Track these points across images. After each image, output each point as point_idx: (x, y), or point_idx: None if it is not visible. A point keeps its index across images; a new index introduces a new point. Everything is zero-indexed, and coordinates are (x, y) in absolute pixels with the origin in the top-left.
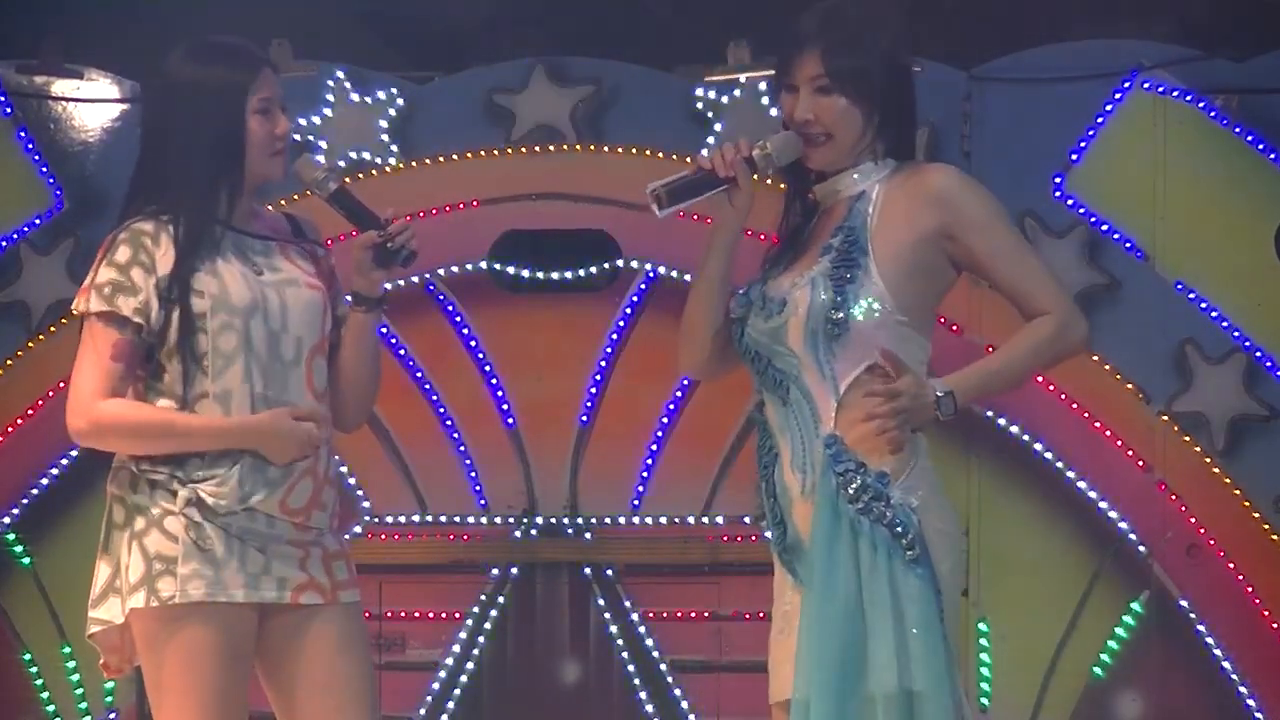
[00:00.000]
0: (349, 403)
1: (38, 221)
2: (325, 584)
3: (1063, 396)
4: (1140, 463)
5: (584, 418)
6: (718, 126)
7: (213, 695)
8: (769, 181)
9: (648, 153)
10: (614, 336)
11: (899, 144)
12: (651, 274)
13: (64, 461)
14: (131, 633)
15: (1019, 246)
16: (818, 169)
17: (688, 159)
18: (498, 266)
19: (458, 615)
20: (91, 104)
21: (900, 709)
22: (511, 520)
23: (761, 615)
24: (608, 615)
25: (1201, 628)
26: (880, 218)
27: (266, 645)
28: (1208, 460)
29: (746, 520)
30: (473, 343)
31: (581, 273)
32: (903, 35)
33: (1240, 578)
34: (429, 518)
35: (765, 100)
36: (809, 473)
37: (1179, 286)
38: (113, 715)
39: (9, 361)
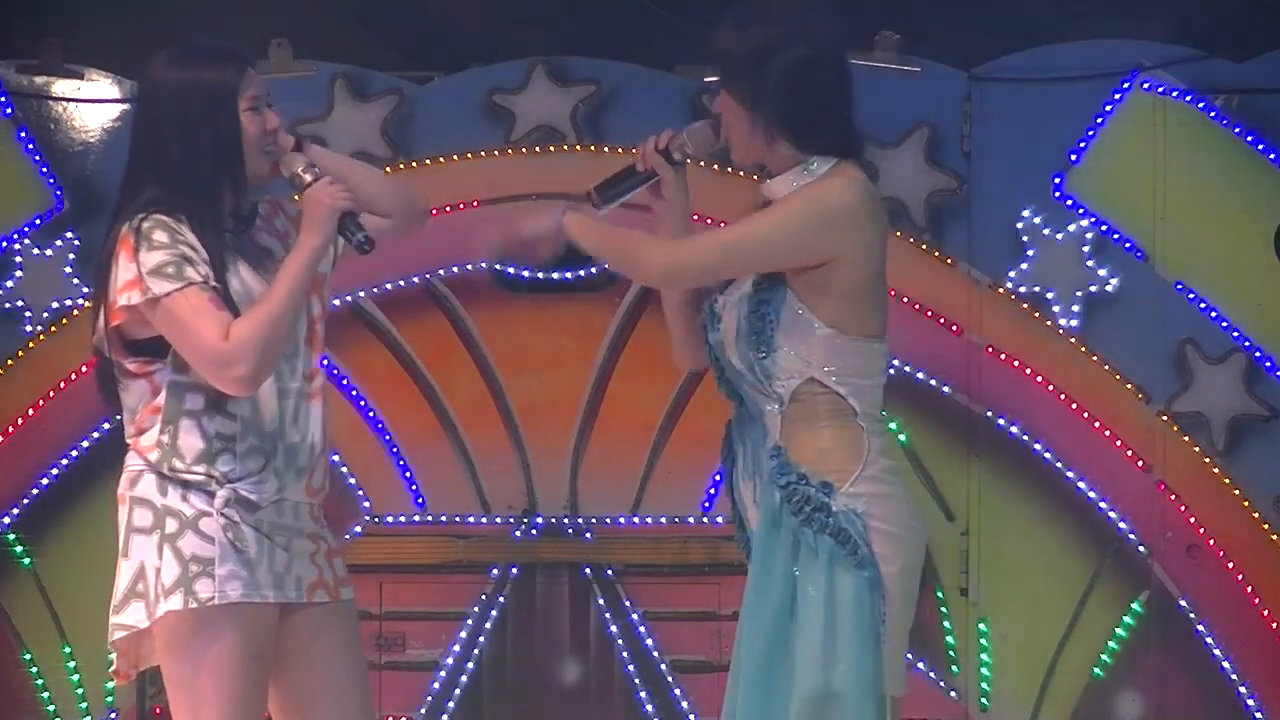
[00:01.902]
0: (396, 209)
1: (38, 221)
2: (330, 581)
3: (1062, 396)
4: (1140, 463)
5: (584, 418)
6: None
7: (242, 697)
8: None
9: None
10: (614, 336)
11: (822, 142)
12: None
13: (64, 461)
14: (148, 637)
15: (746, 224)
16: (736, 161)
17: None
18: (498, 266)
19: (458, 615)
20: (91, 104)
21: (818, 711)
22: (511, 520)
23: None
24: (608, 615)
25: (1201, 628)
26: None
27: (281, 644)
28: (1208, 460)
29: None
30: (473, 343)
31: (581, 273)
32: (796, 31)
33: (1240, 578)
34: (429, 518)
35: None
36: (758, 481)
37: (1179, 286)
38: (113, 715)
39: (9, 361)
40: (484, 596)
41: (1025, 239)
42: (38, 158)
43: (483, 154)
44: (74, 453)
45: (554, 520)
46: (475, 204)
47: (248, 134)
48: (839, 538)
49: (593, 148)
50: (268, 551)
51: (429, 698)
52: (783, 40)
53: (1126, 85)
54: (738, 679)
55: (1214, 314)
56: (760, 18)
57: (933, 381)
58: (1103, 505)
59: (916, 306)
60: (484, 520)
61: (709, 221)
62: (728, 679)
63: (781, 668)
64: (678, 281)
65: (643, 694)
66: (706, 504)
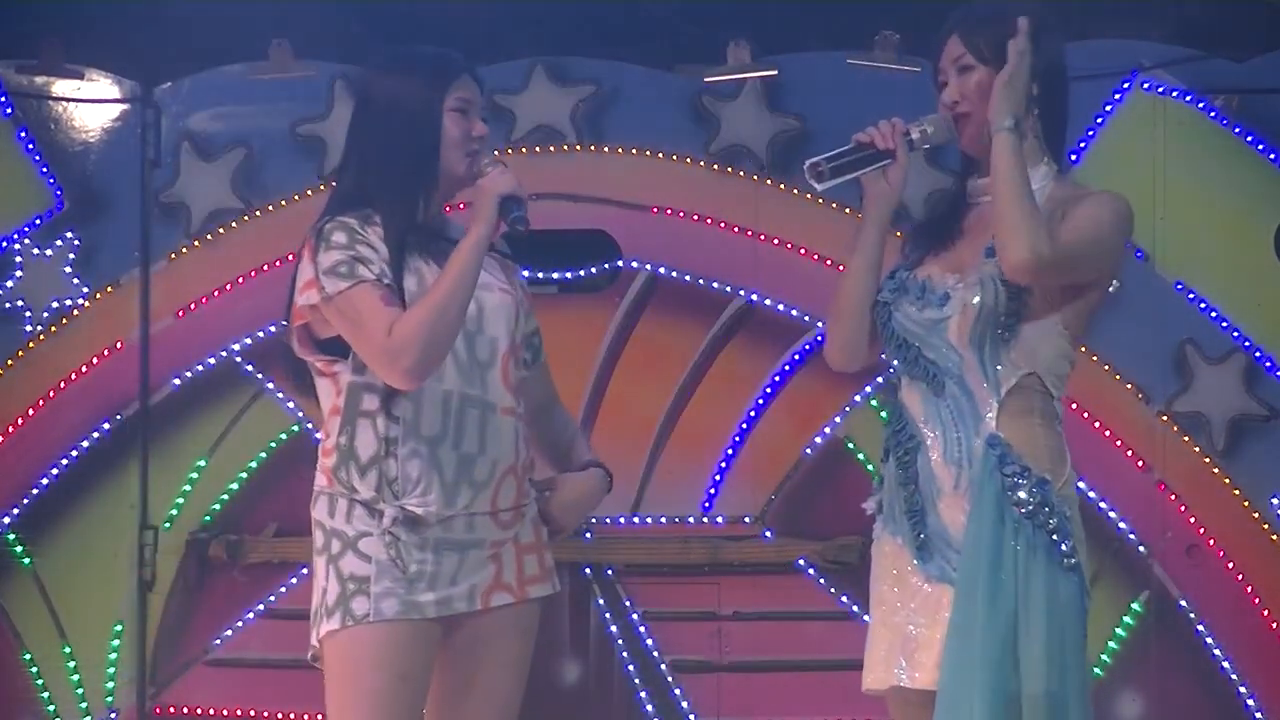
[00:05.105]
0: None
1: (38, 221)
2: (513, 582)
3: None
4: (1140, 463)
5: (584, 418)
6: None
7: (385, 715)
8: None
9: (648, 153)
10: (614, 336)
11: (1061, 135)
12: (651, 274)
13: (64, 461)
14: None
15: (1087, 225)
16: (969, 151)
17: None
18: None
19: None
20: (91, 104)
21: (1046, 710)
22: None
23: (761, 615)
24: (607, 615)
25: (1201, 628)
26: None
27: (453, 645)
28: (1207, 460)
29: (747, 520)
30: None
31: (581, 273)
32: (1049, 20)
33: (1240, 578)
34: None
35: (765, 101)
36: (964, 469)
37: (1179, 286)
38: (113, 715)
39: (9, 361)
40: None
41: None
42: (38, 158)
43: None
44: (74, 453)
45: None
46: None
47: (449, 134)
48: (1053, 538)
49: (593, 148)
50: (431, 568)
51: None
52: (1049, 24)
53: (1126, 85)
54: (957, 672)
55: (1214, 314)
56: (1017, 3)
57: None
58: (1102, 505)
59: None
60: None
61: (708, 223)
62: (940, 668)
63: (1011, 666)
64: (1044, 269)
65: (643, 694)
66: (706, 504)
